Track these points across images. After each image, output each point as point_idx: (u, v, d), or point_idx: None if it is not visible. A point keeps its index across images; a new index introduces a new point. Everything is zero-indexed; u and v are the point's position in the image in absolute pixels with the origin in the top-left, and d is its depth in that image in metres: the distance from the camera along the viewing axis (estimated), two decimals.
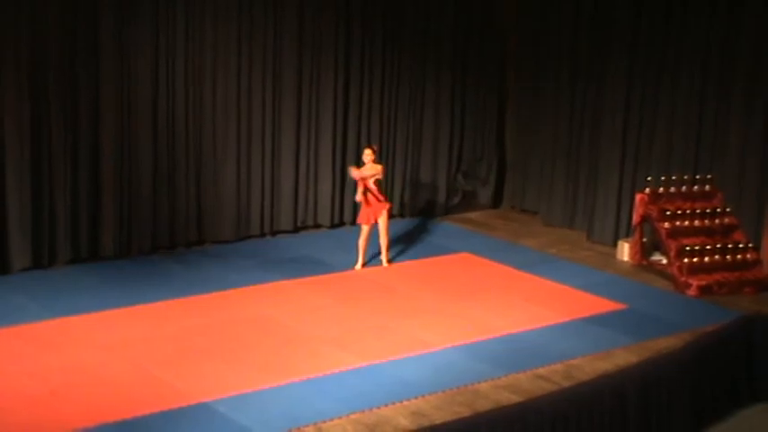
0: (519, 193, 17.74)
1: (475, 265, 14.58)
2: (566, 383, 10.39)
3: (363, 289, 13.30)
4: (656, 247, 14.63)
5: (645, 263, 14.65)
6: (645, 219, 14.47)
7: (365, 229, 13.91)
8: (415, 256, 14.80)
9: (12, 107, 12.86)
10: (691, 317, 12.62)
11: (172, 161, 14.36)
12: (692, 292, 13.52)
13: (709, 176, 14.66)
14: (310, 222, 15.95)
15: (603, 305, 12.98)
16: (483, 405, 9.81)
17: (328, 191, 15.92)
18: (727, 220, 14.40)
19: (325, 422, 9.35)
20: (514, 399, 9.96)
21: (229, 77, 14.72)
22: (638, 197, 14.52)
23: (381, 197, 13.94)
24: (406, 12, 16.37)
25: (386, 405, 9.74)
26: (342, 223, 16.21)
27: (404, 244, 15.35)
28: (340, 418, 9.44)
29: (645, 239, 14.74)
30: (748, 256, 14.04)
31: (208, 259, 14.20)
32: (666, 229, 14.10)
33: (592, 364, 10.96)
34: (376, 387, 10.17)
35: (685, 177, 14.69)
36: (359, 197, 13.95)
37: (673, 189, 14.50)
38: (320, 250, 14.80)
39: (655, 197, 14.38)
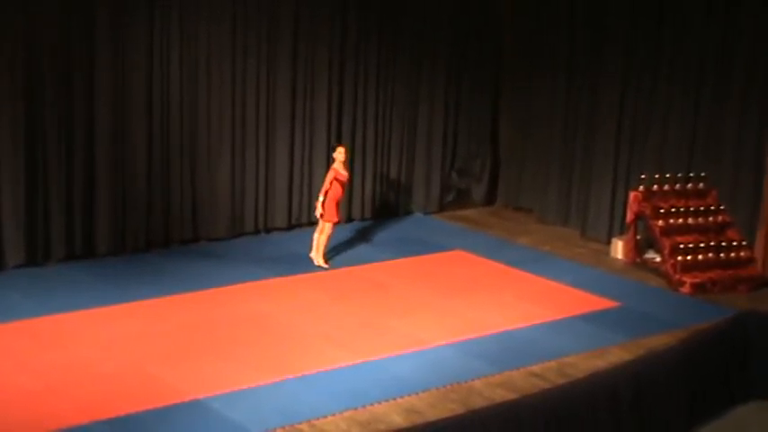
0: (513, 191, 17.75)
1: (469, 263, 14.59)
2: (559, 381, 10.41)
3: (357, 286, 13.30)
4: (650, 244, 14.65)
5: (639, 261, 14.67)
6: (639, 216, 14.50)
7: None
8: (409, 254, 14.80)
9: (6, 105, 12.84)
10: (684, 315, 12.64)
11: (166, 159, 14.35)
12: (685, 289, 13.54)
13: (702, 174, 14.68)
14: (304, 220, 15.93)
15: (597, 303, 13.00)
16: (477, 402, 9.82)
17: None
18: (720, 218, 14.43)
19: (319, 419, 9.36)
20: (508, 396, 9.97)
21: (224, 75, 14.70)
22: (631, 195, 14.55)
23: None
24: (401, 11, 16.37)
25: (380, 402, 9.76)
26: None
27: (398, 241, 15.36)
28: (334, 415, 9.45)
29: (639, 237, 14.76)
30: (742, 253, 14.07)
31: (202, 256, 14.19)
32: (660, 226, 14.12)
33: (586, 362, 10.98)
34: (370, 384, 10.18)
35: (679, 175, 14.71)
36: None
37: (667, 187, 14.53)
38: None
39: (648, 195, 14.40)
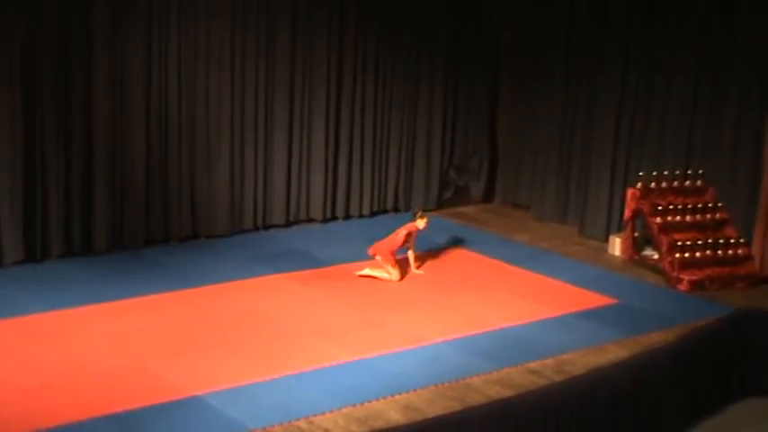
0: (511, 188, 17.74)
1: (467, 260, 14.59)
2: (557, 378, 10.42)
3: (355, 283, 13.30)
4: (648, 241, 14.64)
5: (636, 258, 14.67)
6: (636, 214, 14.49)
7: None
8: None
9: (3, 101, 12.83)
10: (682, 312, 12.64)
11: (165, 155, 14.34)
12: (683, 287, 13.55)
13: (700, 171, 14.68)
14: (303, 216, 15.95)
15: (595, 300, 13.01)
16: (474, 399, 9.83)
17: (320, 185, 15.92)
18: (718, 216, 14.43)
19: (316, 416, 9.36)
20: (506, 393, 9.98)
21: (222, 71, 14.69)
22: (629, 192, 14.54)
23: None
24: (399, 7, 16.36)
25: (378, 399, 9.76)
26: (334, 217, 16.22)
27: None
28: (332, 411, 9.45)
29: (636, 234, 14.76)
30: (740, 251, 14.07)
31: (200, 253, 14.19)
32: (658, 223, 14.12)
33: (583, 359, 10.99)
34: (368, 381, 10.19)
35: (677, 172, 14.71)
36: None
37: (664, 184, 14.52)
38: (312, 244, 14.81)
39: (646, 192, 14.40)
